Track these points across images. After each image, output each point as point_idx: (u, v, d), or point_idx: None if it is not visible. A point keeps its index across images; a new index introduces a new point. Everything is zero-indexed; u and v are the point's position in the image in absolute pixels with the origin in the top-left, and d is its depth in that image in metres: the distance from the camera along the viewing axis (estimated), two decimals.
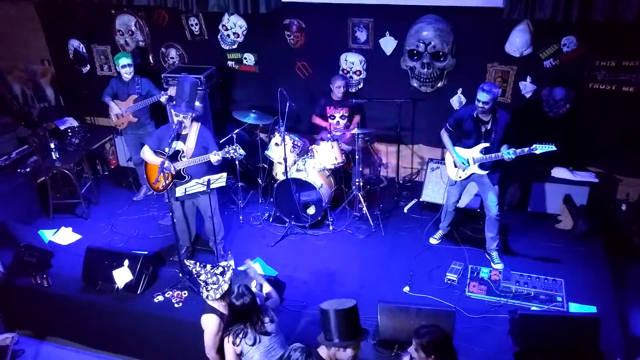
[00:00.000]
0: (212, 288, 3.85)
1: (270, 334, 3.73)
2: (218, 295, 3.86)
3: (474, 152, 5.05)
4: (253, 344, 3.67)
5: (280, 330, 3.85)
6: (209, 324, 3.90)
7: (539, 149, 4.68)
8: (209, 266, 3.93)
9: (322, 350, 3.10)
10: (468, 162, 5.10)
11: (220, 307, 3.92)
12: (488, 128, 4.94)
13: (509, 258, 5.43)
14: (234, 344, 3.67)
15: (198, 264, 3.92)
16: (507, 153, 4.79)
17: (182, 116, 4.90)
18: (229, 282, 3.90)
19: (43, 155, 6.37)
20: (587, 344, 4.15)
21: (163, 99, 6.17)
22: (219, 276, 3.89)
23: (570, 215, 5.80)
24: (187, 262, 4.06)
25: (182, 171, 5.01)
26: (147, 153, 5.08)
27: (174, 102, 5.09)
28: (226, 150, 4.89)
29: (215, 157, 4.89)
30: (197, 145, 5.01)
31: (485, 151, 4.99)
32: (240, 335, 3.66)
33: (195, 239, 5.76)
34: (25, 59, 7.77)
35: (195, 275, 3.91)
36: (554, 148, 4.67)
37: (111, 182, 7.29)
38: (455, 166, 5.22)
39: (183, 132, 4.99)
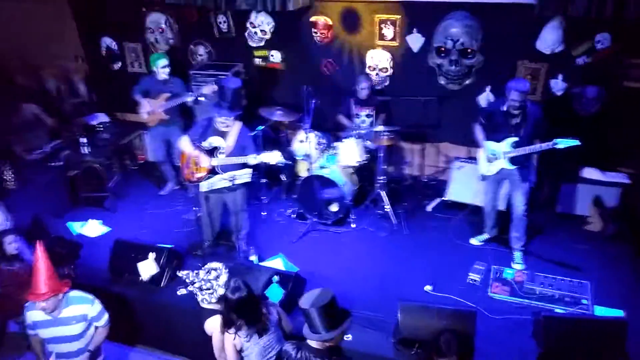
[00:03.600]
0: (206, 293, 3.88)
1: (268, 331, 3.71)
2: (214, 300, 3.88)
3: (504, 146, 4.97)
4: (249, 340, 3.66)
5: (278, 328, 3.82)
6: (216, 326, 3.84)
7: (560, 143, 4.58)
8: (202, 272, 3.95)
9: (312, 342, 3.14)
10: (497, 156, 5.02)
11: (219, 308, 3.93)
12: (518, 122, 4.86)
13: (534, 259, 5.32)
14: (233, 339, 3.68)
15: (191, 272, 3.95)
16: (539, 146, 4.72)
17: (224, 118, 4.94)
18: (224, 286, 3.91)
19: (75, 150, 6.55)
20: (612, 348, 4.03)
21: (189, 99, 6.28)
22: (212, 281, 3.91)
23: (599, 216, 5.65)
24: (179, 274, 4.08)
25: (217, 168, 5.07)
26: (184, 143, 5.12)
27: (216, 103, 5.13)
28: (267, 155, 4.88)
29: (254, 160, 4.91)
30: (237, 144, 5.05)
31: (515, 145, 4.90)
32: (241, 331, 3.66)
33: (221, 232, 5.79)
34: (59, 55, 7.98)
35: (190, 284, 3.94)
36: (577, 142, 4.56)
37: (139, 176, 7.44)
38: (488, 160, 5.15)
39: (224, 129, 5.03)
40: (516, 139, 4.89)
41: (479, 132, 5.19)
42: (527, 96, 4.76)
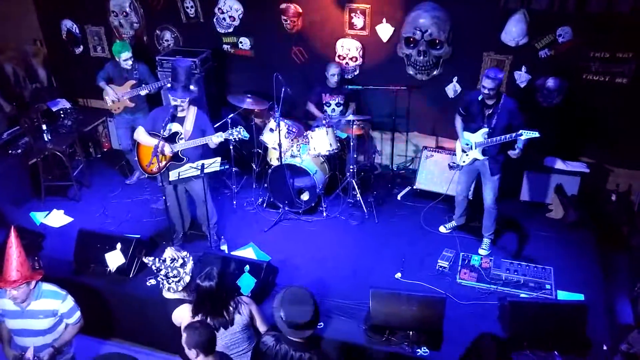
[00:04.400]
0: (173, 281, 3.83)
1: (227, 327, 3.65)
2: (180, 288, 3.84)
3: (477, 137, 5.05)
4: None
5: (248, 327, 3.77)
6: (184, 315, 3.76)
7: (524, 134, 4.69)
8: (168, 259, 3.90)
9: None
10: (470, 146, 5.11)
11: (185, 297, 3.90)
12: (490, 112, 4.94)
13: (499, 246, 5.48)
14: None
15: (157, 259, 3.89)
16: (507, 137, 4.79)
17: (180, 100, 4.87)
18: (190, 274, 3.88)
19: (35, 137, 6.34)
20: (574, 331, 4.22)
21: (143, 92, 6.17)
22: (179, 269, 3.86)
23: (561, 204, 5.87)
24: (145, 260, 4.01)
25: (180, 153, 5.01)
26: (141, 135, 5.04)
27: (170, 87, 5.06)
28: (229, 132, 4.88)
29: (217, 138, 4.88)
30: (195, 127, 5.00)
31: (487, 136, 4.98)
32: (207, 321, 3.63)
33: (191, 222, 5.75)
34: (17, 38, 7.66)
35: (155, 271, 3.87)
36: (537, 134, 4.68)
37: (104, 164, 7.26)
38: (463, 150, 5.24)
39: (180, 115, 4.96)
40: (487, 129, 4.98)
41: (458, 122, 5.26)
42: (501, 87, 4.81)
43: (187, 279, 3.89)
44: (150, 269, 5.07)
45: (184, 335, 3.17)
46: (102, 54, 7.51)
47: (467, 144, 5.13)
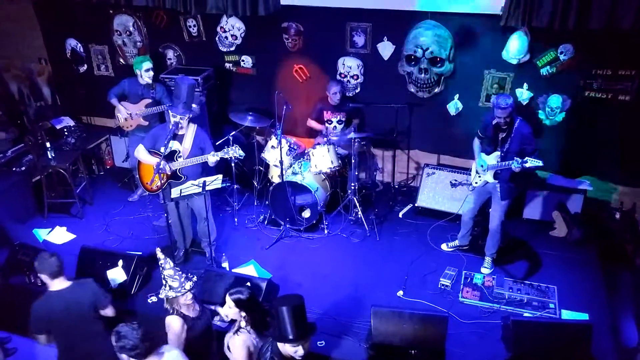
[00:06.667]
0: (171, 287, 3.83)
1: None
2: (172, 295, 3.82)
3: (491, 160, 5.04)
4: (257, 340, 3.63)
5: None
6: (174, 324, 3.82)
7: (529, 162, 4.64)
8: (176, 269, 3.90)
9: (280, 347, 3.14)
10: (484, 168, 5.08)
11: (182, 308, 3.90)
12: (504, 137, 4.91)
13: (502, 264, 5.43)
14: (252, 338, 3.63)
15: (169, 261, 3.88)
16: (515, 162, 4.72)
17: (179, 117, 4.88)
18: (182, 292, 3.87)
19: (38, 154, 6.37)
20: (578, 351, 4.17)
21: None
22: (181, 281, 3.85)
23: (564, 222, 5.82)
24: (158, 253, 3.98)
25: (178, 171, 5.01)
26: (141, 153, 5.05)
27: (172, 104, 5.08)
28: (225, 150, 4.89)
29: (213, 158, 4.89)
30: (194, 146, 5.01)
31: (499, 159, 4.95)
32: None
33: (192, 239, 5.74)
34: (22, 57, 7.76)
35: (161, 268, 3.86)
36: (541, 163, 4.65)
37: (106, 182, 7.27)
38: (477, 172, 5.22)
39: (179, 133, 4.98)
40: (499, 153, 4.95)
41: (475, 144, 5.25)
42: (513, 111, 4.77)
43: (181, 293, 3.87)
44: (153, 285, 5.12)
45: (36, 264, 3.93)
46: (105, 72, 7.57)
47: (482, 166, 5.11)
